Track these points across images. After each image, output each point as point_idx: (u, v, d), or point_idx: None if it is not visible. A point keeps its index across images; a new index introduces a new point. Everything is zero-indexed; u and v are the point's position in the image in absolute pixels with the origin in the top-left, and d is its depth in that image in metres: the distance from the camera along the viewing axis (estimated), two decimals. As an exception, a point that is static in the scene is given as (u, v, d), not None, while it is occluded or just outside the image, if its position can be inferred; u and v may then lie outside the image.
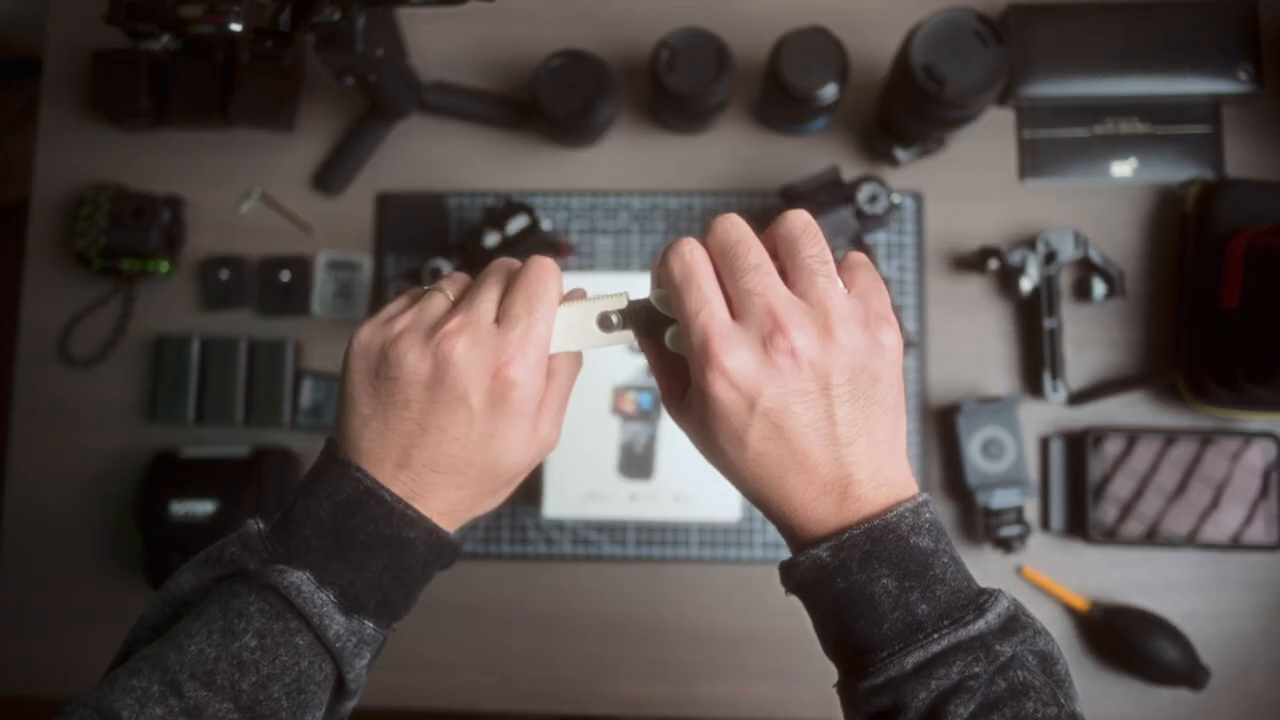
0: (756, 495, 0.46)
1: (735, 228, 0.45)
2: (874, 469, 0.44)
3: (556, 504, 0.82)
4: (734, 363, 0.42)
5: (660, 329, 0.47)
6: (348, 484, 0.46)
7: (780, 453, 0.43)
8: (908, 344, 0.82)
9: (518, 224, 0.81)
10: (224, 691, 0.43)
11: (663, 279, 0.46)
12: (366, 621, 0.46)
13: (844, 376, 0.43)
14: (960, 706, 0.40)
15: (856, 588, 0.43)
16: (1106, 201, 0.89)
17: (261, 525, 0.47)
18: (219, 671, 0.43)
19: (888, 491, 0.44)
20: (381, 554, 0.46)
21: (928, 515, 0.43)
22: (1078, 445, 0.85)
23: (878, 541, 0.42)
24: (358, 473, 0.46)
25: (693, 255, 0.44)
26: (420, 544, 0.47)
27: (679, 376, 0.49)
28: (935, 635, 0.41)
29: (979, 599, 0.43)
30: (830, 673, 0.46)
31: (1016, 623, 0.42)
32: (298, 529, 0.46)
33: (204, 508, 0.83)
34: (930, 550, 0.43)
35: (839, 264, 0.46)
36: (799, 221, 0.45)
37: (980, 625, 0.41)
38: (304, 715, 0.45)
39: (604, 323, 0.48)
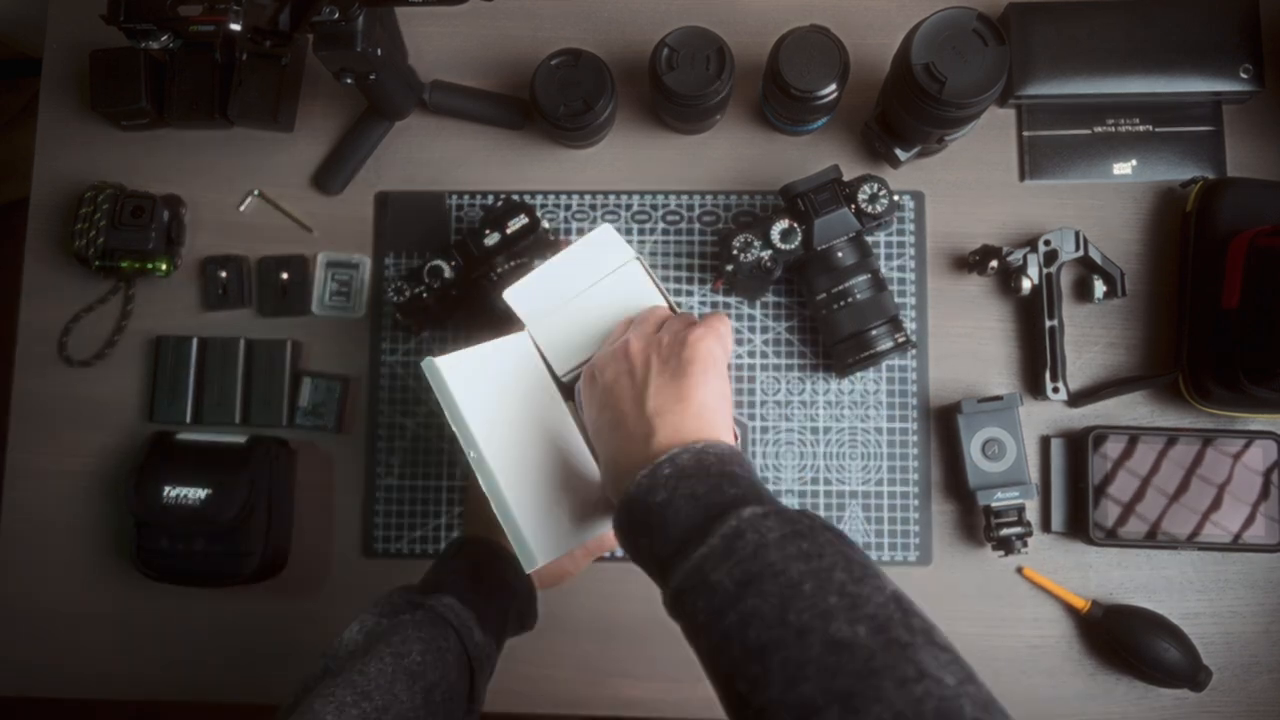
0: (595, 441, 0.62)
1: (654, 311, 0.67)
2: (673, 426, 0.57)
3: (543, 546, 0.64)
4: (595, 359, 0.64)
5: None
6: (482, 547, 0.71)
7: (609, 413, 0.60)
8: (909, 345, 0.82)
9: (518, 224, 0.81)
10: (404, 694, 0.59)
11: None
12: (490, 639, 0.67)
13: (657, 359, 0.60)
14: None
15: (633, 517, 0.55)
16: (1107, 201, 0.89)
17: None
18: (397, 680, 0.58)
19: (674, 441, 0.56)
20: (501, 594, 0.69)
21: (665, 471, 0.54)
22: (1078, 445, 0.85)
23: (630, 496, 0.55)
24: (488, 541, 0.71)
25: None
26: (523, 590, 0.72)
27: None
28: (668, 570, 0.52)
29: (706, 526, 0.51)
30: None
31: (740, 539, 0.50)
32: (441, 578, 0.68)
33: (196, 494, 0.82)
34: (663, 501, 0.53)
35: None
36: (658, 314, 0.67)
37: (700, 551, 0.50)
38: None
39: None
